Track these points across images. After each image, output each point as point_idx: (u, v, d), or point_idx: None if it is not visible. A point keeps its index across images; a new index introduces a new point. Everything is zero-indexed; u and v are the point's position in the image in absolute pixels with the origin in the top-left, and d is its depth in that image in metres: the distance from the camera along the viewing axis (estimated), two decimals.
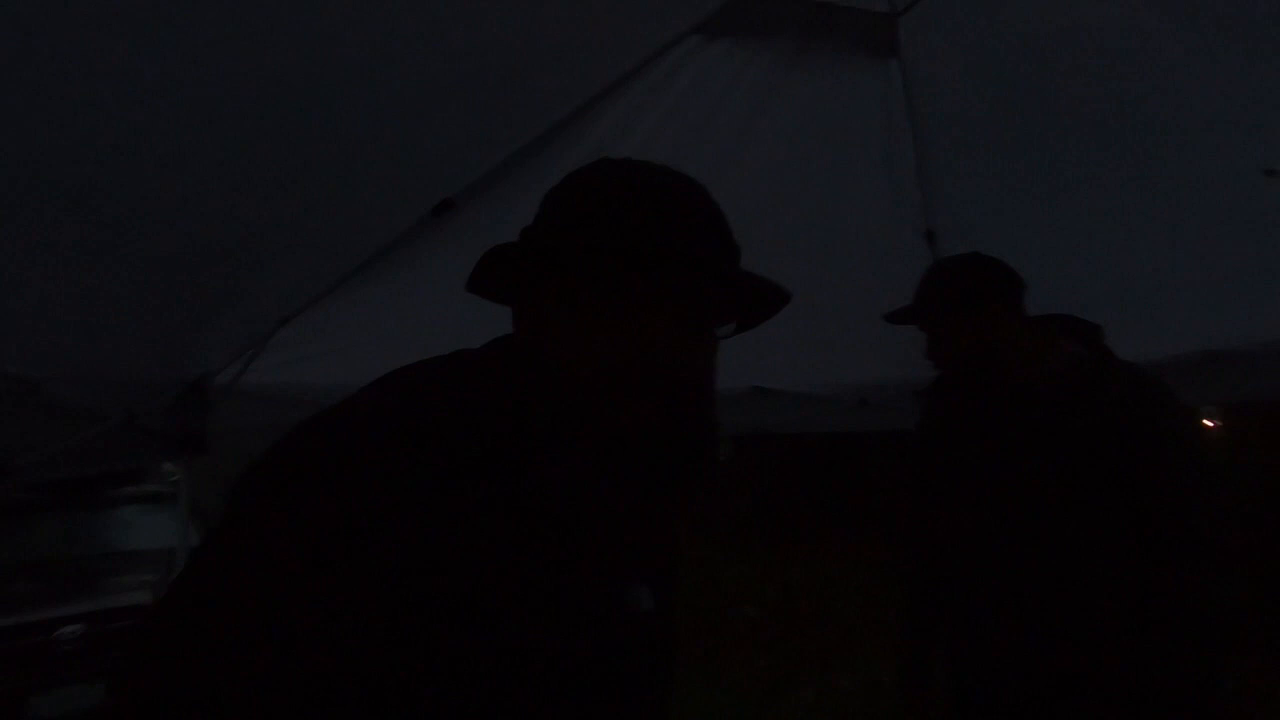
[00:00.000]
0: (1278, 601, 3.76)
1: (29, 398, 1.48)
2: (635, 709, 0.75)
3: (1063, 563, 1.48)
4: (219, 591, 0.58)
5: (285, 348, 2.09)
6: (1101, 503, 1.47)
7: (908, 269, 2.51)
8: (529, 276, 0.76)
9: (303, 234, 2.00)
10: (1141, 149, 1.67)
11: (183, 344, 2.04)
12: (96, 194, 1.55)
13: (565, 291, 0.74)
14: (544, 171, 1.80)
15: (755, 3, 1.66)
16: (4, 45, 1.12)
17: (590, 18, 1.59)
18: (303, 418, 0.66)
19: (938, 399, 1.81)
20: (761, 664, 4.25)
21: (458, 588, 0.61)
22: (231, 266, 1.91)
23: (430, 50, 1.63)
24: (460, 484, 0.63)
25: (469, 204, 1.97)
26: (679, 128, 1.80)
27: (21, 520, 4.20)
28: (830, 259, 2.21)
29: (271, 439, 0.65)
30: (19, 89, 1.21)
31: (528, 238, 0.76)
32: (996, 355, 1.59)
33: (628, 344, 0.72)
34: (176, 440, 2.10)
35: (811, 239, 2.17)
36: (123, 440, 1.84)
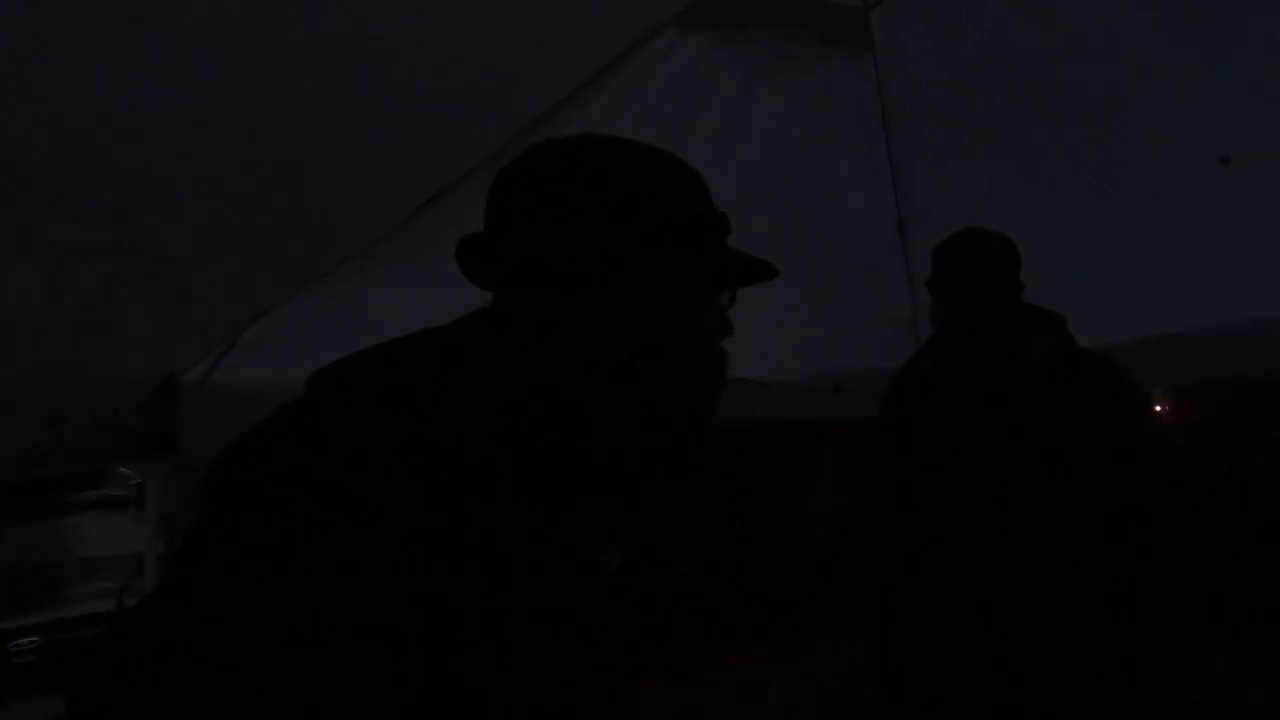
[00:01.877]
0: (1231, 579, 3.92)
1: None
2: (601, 668, 0.76)
3: (1050, 550, 1.53)
4: (190, 610, 0.55)
5: (258, 344, 2.05)
6: (1083, 491, 1.53)
7: (878, 257, 2.58)
8: (512, 269, 0.72)
9: (278, 228, 1.97)
10: (1107, 139, 1.73)
11: (151, 340, 1.99)
12: (65, 189, 1.51)
13: (562, 271, 0.70)
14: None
15: None
16: None
17: (569, 9, 1.60)
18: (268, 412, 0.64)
19: (920, 386, 1.83)
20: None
21: (434, 581, 0.60)
22: (202, 260, 1.87)
23: (408, 47, 1.62)
24: (438, 476, 0.61)
25: (449, 198, 1.96)
26: (658, 121, 1.80)
27: None
28: (804, 248, 2.24)
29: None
30: None
31: (505, 230, 0.73)
32: (1003, 337, 1.59)
33: (627, 326, 0.70)
34: (145, 439, 2.04)
35: (785, 228, 2.20)
36: (89, 439, 1.80)
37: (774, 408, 2.80)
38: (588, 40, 1.69)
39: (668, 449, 0.74)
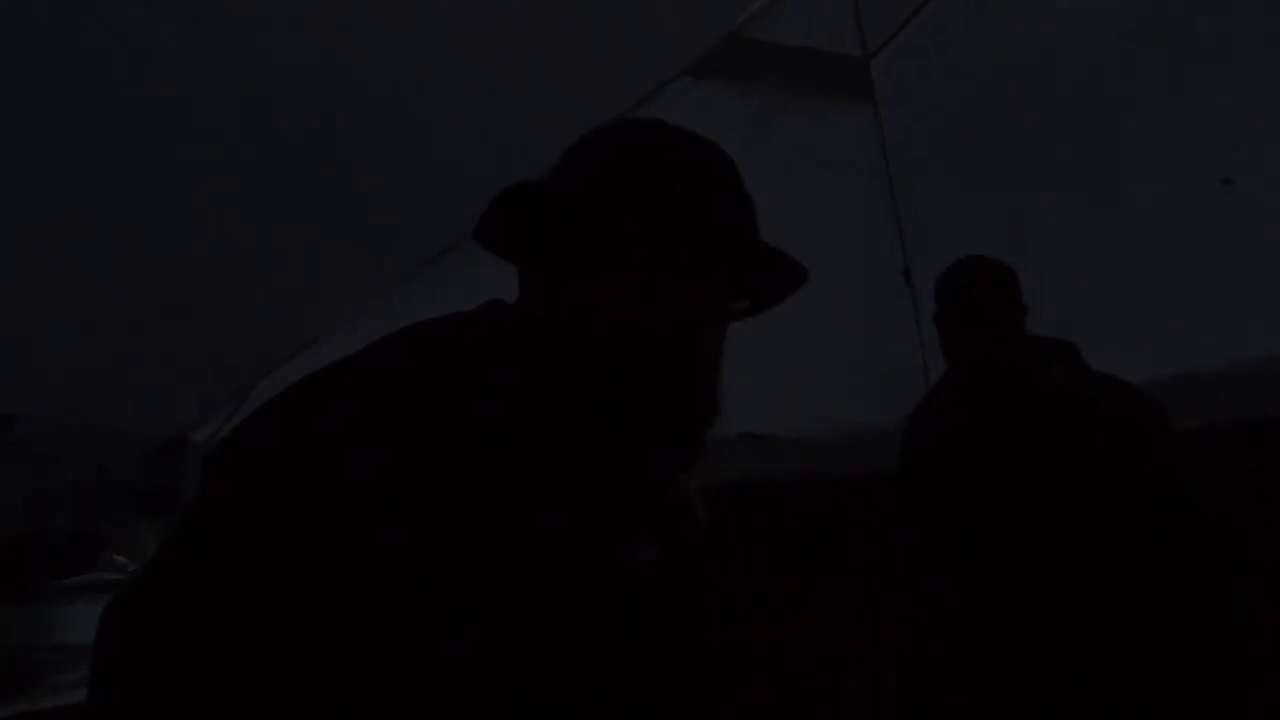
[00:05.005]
0: None
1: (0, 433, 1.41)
2: (638, 664, 0.72)
3: (1090, 580, 1.49)
4: (199, 576, 0.55)
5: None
6: (1114, 513, 1.50)
7: (886, 306, 2.60)
8: (541, 223, 0.72)
9: (287, 287, 1.99)
10: (1110, 175, 1.78)
11: (157, 396, 1.98)
12: (87, 233, 1.53)
13: (576, 237, 0.70)
14: None
15: (739, 47, 1.75)
16: None
17: (587, 60, 1.66)
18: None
19: (937, 424, 1.81)
20: None
21: (449, 552, 0.58)
22: (215, 315, 1.88)
23: (431, 97, 1.69)
24: (453, 448, 0.61)
25: (460, 249, 1.99)
26: None
27: None
28: (811, 297, 2.26)
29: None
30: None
31: (542, 183, 0.73)
32: (1017, 368, 1.59)
33: (636, 295, 0.68)
34: (147, 497, 1.99)
35: None
36: (92, 494, 1.75)
37: (787, 464, 2.76)
38: (610, 86, 1.75)
39: (673, 421, 0.71)
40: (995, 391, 1.62)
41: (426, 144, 1.74)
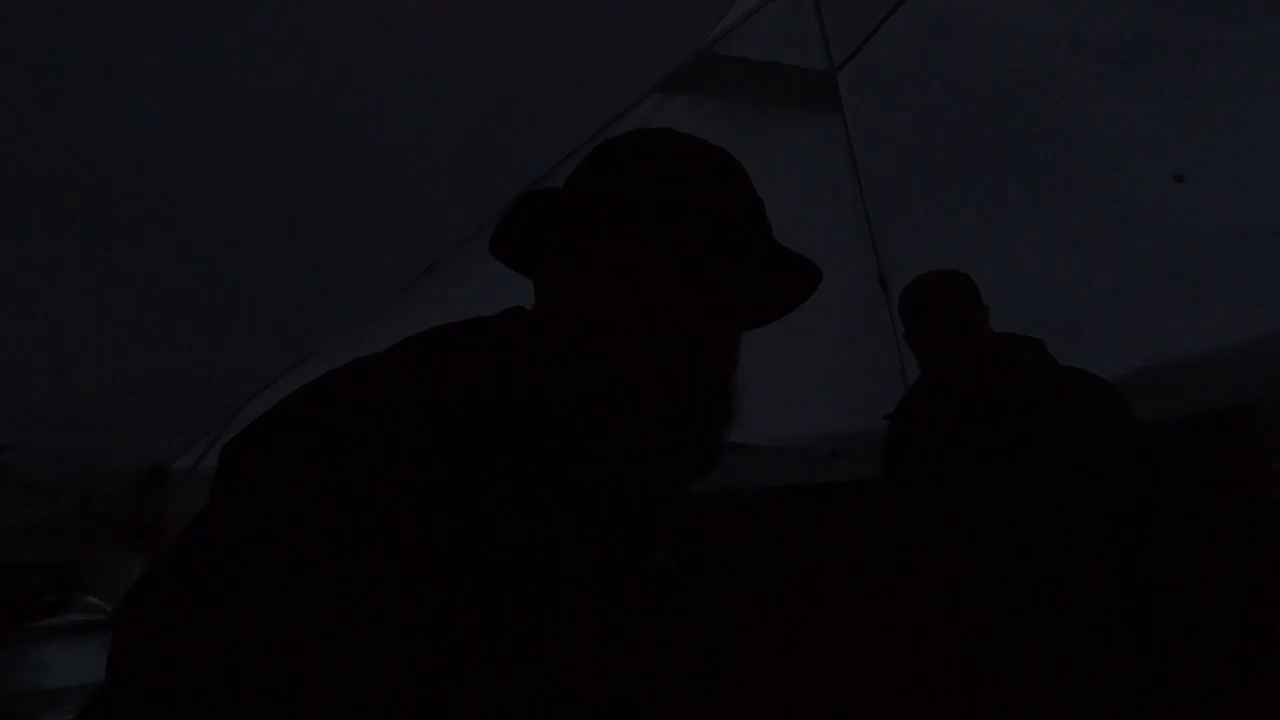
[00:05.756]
0: None
1: None
2: (654, 673, 0.70)
3: (1067, 565, 1.55)
4: (219, 572, 0.54)
5: None
6: (1086, 499, 1.56)
7: (863, 313, 2.65)
8: (553, 231, 0.73)
9: (271, 310, 1.98)
10: (1071, 177, 1.85)
11: (146, 425, 1.95)
12: (72, 256, 1.53)
13: (586, 245, 0.71)
14: None
15: (709, 63, 1.81)
16: None
17: (562, 79, 1.70)
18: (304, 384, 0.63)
19: (915, 424, 1.86)
20: None
21: (468, 559, 0.58)
22: (200, 337, 1.87)
23: (413, 114, 1.70)
24: (471, 452, 0.60)
25: (450, 266, 2.00)
26: None
27: None
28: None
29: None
30: None
31: (558, 192, 0.74)
32: (987, 364, 1.66)
33: (646, 301, 0.68)
34: (132, 529, 1.97)
35: None
36: (77, 525, 1.73)
37: (771, 472, 2.79)
38: (577, 110, 1.79)
39: (689, 427, 0.70)
40: (968, 389, 1.69)
41: (398, 169, 1.75)
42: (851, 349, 2.64)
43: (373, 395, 0.61)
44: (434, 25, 1.55)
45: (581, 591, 0.64)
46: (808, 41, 1.88)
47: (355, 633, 0.53)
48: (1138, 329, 2.07)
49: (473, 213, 1.86)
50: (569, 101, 1.73)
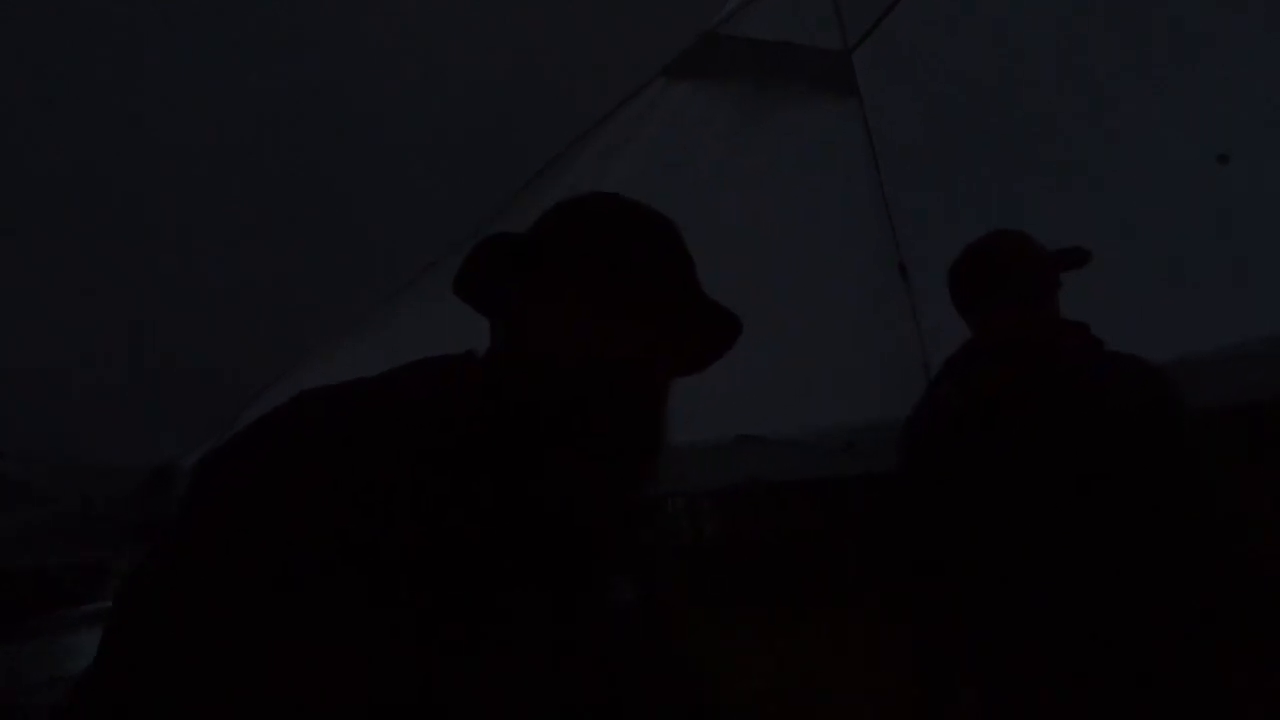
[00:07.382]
0: None
1: None
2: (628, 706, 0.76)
3: (1113, 553, 1.45)
4: (187, 582, 0.58)
5: None
6: (1137, 494, 1.47)
7: (881, 302, 2.56)
8: (512, 276, 0.80)
9: (272, 307, 1.96)
10: (1097, 157, 1.75)
11: (147, 425, 1.95)
12: (69, 258, 1.52)
13: (541, 289, 0.78)
14: (522, 226, 1.80)
15: (715, 46, 1.72)
16: None
17: (562, 67, 1.63)
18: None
19: (942, 418, 1.75)
20: None
21: (427, 583, 0.62)
22: (200, 337, 1.85)
23: (413, 110, 1.66)
24: (430, 471, 0.65)
25: (450, 266, 1.95)
26: (650, 173, 1.83)
27: None
28: (804, 295, 2.23)
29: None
30: None
31: (518, 239, 0.82)
32: (1051, 338, 1.56)
33: (592, 339, 0.74)
34: (137, 530, 1.96)
35: (786, 279, 2.20)
36: (81, 528, 1.72)
37: (784, 466, 2.73)
38: (578, 99, 1.72)
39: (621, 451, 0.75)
40: (1014, 373, 1.57)
41: (398, 169, 1.71)
42: (867, 339, 2.56)
43: (340, 417, 0.66)
44: (434, 21, 1.51)
45: (535, 619, 0.68)
46: (820, 20, 1.79)
47: (313, 646, 0.56)
48: (1176, 319, 1.96)
49: (471, 213, 1.82)
50: (569, 90, 1.67)
